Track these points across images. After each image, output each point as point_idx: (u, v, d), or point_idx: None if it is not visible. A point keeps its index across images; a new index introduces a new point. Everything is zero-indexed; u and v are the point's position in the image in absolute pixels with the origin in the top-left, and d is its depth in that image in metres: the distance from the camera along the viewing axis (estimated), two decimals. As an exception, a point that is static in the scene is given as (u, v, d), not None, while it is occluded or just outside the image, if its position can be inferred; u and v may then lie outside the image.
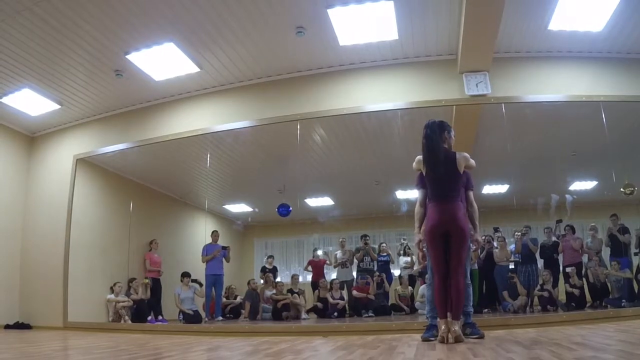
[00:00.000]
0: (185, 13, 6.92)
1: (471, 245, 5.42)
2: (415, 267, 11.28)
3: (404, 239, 12.40)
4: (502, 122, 8.24)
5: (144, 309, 9.99)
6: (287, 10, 6.95)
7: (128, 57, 7.94)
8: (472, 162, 5.03)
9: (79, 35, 7.32)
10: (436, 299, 4.83)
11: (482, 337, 4.94)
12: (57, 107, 9.57)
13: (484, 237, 10.75)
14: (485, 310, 9.70)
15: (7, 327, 9.43)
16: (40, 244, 10.06)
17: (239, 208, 15.80)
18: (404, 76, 8.26)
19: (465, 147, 9.33)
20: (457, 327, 4.61)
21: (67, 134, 10.52)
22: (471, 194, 5.21)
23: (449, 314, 4.70)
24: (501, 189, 12.55)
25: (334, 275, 12.03)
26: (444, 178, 4.91)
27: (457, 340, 4.55)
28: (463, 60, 7.58)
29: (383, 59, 8.25)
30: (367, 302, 10.64)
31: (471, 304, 5.17)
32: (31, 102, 9.35)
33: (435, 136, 4.97)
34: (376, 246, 12.14)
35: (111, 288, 10.00)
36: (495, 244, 10.23)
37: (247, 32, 7.48)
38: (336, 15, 6.96)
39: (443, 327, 4.65)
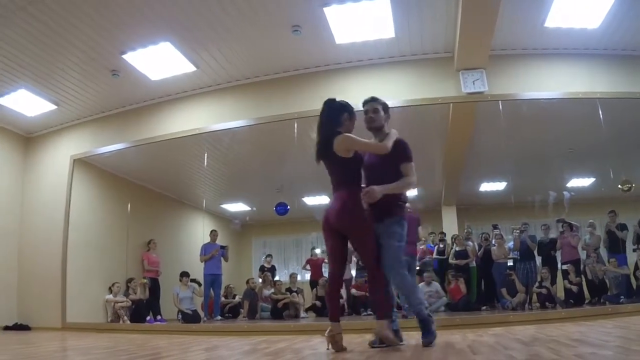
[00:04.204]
0: (182, 12, 6.92)
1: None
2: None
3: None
4: (500, 120, 8.25)
5: (143, 309, 9.98)
6: (283, 9, 6.96)
7: (124, 56, 7.94)
8: (356, 140, 4.28)
9: (75, 35, 7.31)
10: (326, 299, 4.50)
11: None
12: (54, 107, 9.56)
13: (481, 235, 10.75)
14: (484, 307, 9.72)
15: (6, 328, 9.41)
16: (38, 244, 10.05)
17: (236, 207, 15.81)
18: (400, 74, 8.27)
19: (462, 144, 9.38)
20: (381, 328, 4.17)
21: (64, 134, 10.51)
22: (405, 165, 4.36)
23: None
24: (499, 186, 12.56)
25: (332, 274, 12.01)
26: (330, 167, 4.46)
27: (385, 342, 4.21)
28: (460, 58, 7.59)
29: (380, 57, 8.26)
30: (365, 300, 10.63)
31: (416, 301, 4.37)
32: (27, 103, 9.33)
33: (330, 118, 4.44)
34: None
35: (110, 288, 10.02)
36: (493, 241, 10.23)
37: (243, 31, 7.48)
38: (332, 14, 6.97)
39: (329, 329, 4.17)
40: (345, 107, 4.49)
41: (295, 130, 8.75)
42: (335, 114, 4.45)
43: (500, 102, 7.88)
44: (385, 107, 4.61)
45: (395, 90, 8.13)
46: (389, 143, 4.30)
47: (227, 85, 9.09)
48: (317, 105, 8.15)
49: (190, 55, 8.05)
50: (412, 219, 8.10)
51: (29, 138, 10.93)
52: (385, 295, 4.32)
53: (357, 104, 8.08)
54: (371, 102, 4.58)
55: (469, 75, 7.72)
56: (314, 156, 4.48)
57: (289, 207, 11.05)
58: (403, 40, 7.74)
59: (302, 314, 10.71)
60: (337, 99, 4.55)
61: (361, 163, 4.45)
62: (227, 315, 11.48)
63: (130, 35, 7.44)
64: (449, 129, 9.01)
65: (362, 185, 4.37)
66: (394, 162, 4.35)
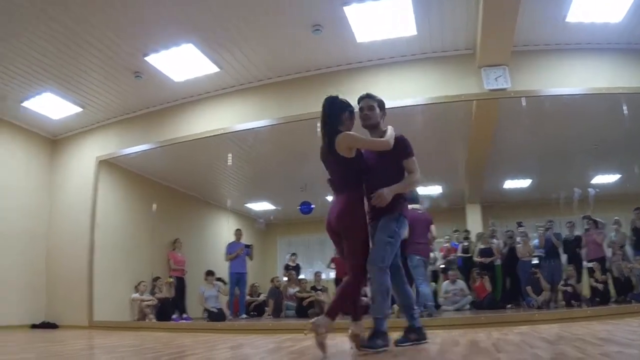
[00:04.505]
0: (203, 14, 6.99)
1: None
2: (438, 263, 11.27)
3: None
4: (523, 116, 8.20)
5: (169, 308, 10.11)
6: (303, 8, 6.98)
7: (147, 58, 8.04)
8: (358, 137, 4.20)
9: (97, 38, 7.44)
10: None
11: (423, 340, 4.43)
12: (79, 109, 9.72)
13: (506, 232, 10.68)
14: (509, 305, 9.67)
15: (34, 326, 9.61)
16: (65, 245, 10.23)
17: (261, 206, 15.88)
18: (422, 72, 8.23)
19: (485, 142, 9.31)
20: (318, 326, 3.91)
21: (89, 136, 10.67)
22: (408, 161, 4.29)
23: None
24: (523, 183, 12.47)
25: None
26: (330, 167, 4.34)
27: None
28: (482, 55, 7.54)
29: (401, 55, 8.23)
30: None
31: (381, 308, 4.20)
32: (53, 106, 9.52)
33: (332, 117, 4.30)
34: (398, 242, 12.11)
35: (136, 287, 10.12)
36: (518, 239, 10.16)
37: (265, 32, 7.54)
38: (352, 12, 6.97)
39: (351, 329, 4.12)
40: (346, 106, 4.35)
41: (318, 130, 8.74)
42: (336, 112, 4.32)
43: (523, 98, 7.80)
44: (381, 104, 4.52)
45: (417, 88, 8.12)
46: (391, 139, 4.22)
47: (249, 86, 9.13)
48: (340, 105, 8.13)
49: (212, 56, 8.11)
50: (423, 219, 8.12)
51: (54, 140, 11.12)
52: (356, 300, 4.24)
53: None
54: (366, 98, 4.50)
55: (491, 72, 7.64)
56: (321, 151, 4.37)
57: (313, 205, 11.08)
58: (424, 37, 7.70)
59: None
60: (340, 97, 4.39)
61: (362, 164, 4.31)
62: (252, 313, 11.56)
63: (152, 37, 7.54)
64: (472, 126, 8.96)
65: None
66: (395, 159, 4.28)
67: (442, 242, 11.76)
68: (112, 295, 9.92)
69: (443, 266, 11.14)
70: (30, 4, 6.52)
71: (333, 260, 12.32)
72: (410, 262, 7.77)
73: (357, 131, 4.30)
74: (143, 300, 9.88)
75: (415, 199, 8.13)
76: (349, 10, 6.93)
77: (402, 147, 4.28)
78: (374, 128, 4.44)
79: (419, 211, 8.10)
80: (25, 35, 7.21)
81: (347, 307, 4.24)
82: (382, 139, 4.27)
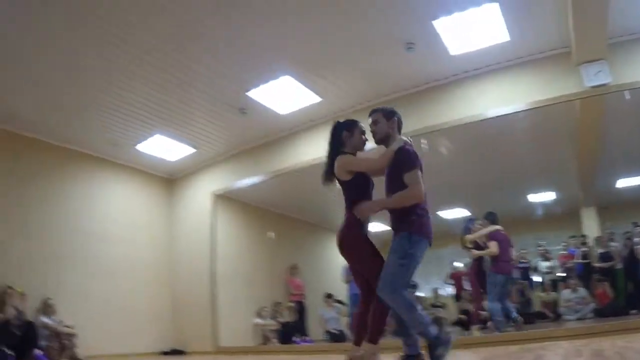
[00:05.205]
0: (297, 46, 7.26)
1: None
2: (556, 272, 11.01)
3: (542, 243, 11.96)
4: (629, 110, 7.88)
5: (290, 331, 10.44)
6: (393, 28, 7.04)
7: (249, 94, 8.41)
8: (352, 160, 4.32)
9: (200, 81, 7.96)
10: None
11: None
12: (193, 150, 10.36)
13: (624, 233, 10.23)
14: (633, 311, 9.22)
15: (165, 353, 10.25)
16: (188, 275, 10.87)
17: (372, 227, 15.89)
18: (519, 77, 8.02)
19: (595, 141, 9.00)
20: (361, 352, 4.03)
21: (203, 172, 11.30)
22: (407, 175, 4.04)
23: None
24: (637, 180, 11.86)
25: (473, 286, 11.89)
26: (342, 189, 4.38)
27: None
28: (577, 51, 7.23)
29: (496, 63, 8.08)
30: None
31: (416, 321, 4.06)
32: (167, 148, 10.22)
33: (331, 141, 4.45)
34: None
35: (258, 313, 10.52)
36: (636, 240, 9.71)
37: (359, 56, 7.68)
38: (442, 26, 6.98)
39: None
40: (343, 125, 4.42)
41: (423, 146, 8.74)
42: (334, 137, 4.41)
43: (627, 91, 7.34)
44: (387, 113, 4.39)
45: (516, 94, 7.93)
46: (384, 156, 4.18)
47: (351, 110, 9.15)
48: (440, 119, 8.26)
49: (311, 85, 8.35)
50: (507, 238, 8.14)
51: (171, 180, 11.86)
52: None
53: (481, 113, 7.97)
54: (370, 114, 4.43)
55: (590, 68, 7.29)
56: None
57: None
58: (517, 41, 7.50)
59: (447, 329, 10.68)
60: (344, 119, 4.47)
61: (366, 185, 4.35)
62: (372, 333, 11.62)
63: (251, 73, 7.88)
64: (579, 127, 8.72)
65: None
66: (399, 174, 4.10)
67: (559, 249, 11.45)
68: (235, 322, 10.36)
69: (562, 274, 10.83)
70: (130, 55, 7.07)
71: (452, 275, 12.24)
72: (492, 279, 7.93)
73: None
74: (265, 325, 10.26)
75: (495, 220, 8.37)
76: (439, 24, 6.94)
77: (401, 160, 4.12)
78: (385, 141, 4.34)
79: (502, 231, 8.24)
80: (129, 83, 7.80)
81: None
82: (373, 158, 4.28)
